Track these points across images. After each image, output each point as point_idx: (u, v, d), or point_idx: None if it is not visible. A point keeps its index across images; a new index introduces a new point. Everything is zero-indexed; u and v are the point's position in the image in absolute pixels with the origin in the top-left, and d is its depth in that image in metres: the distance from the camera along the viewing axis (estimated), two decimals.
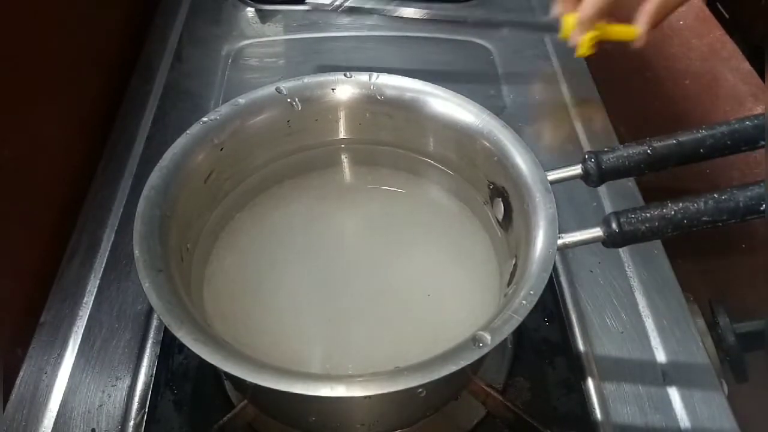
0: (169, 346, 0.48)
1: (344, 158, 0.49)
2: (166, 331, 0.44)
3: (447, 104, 0.44)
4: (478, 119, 0.43)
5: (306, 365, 0.41)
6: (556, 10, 0.64)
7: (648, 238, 0.38)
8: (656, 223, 0.37)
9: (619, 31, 0.64)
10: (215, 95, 0.68)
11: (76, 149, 0.61)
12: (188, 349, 0.32)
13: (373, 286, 0.45)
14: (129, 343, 0.48)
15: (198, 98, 0.68)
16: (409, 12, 0.69)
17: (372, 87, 0.46)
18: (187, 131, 0.43)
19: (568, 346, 0.49)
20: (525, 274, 0.36)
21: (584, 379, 0.46)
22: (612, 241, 0.38)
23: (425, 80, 0.45)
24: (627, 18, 0.62)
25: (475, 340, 0.32)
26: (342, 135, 0.48)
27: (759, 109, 0.69)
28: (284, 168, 0.48)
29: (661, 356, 0.47)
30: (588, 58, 0.71)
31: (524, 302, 0.34)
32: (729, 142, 0.40)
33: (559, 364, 0.48)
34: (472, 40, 0.74)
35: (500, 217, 0.44)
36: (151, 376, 0.46)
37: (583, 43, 0.63)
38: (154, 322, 0.49)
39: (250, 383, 0.31)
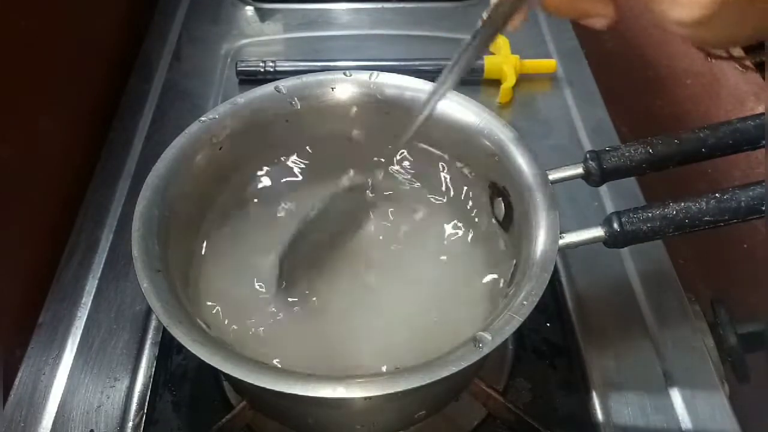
0: (167, 346, 0.48)
1: (343, 157, 0.49)
2: (165, 331, 0.44)
3: (447, 103, 0.44)
4: (478, 118, 0.43)
5: (303, 367, 0.41)
6: None
7: (649, 238, 0.38)
8: (658, 223, 0.37)
9: (536, 66, 0.69)
10: (214, 94, 0.68)
11: (75, 149, 0.61)
12: (187, 349, 0.32)
13: (370, 285, 0.45)
14: (127, 344, 0.48)
15: (197, 97, 0.68)
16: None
17: (372, 86, 0.46)
18: (186, 130, 0.42)
19: (569, 347, 0.48)
20: (526, 275, 0.36)
21: (585, 380, 0.46)
22: (613, 241, 0.38)
23: (425, 79, 0.45)
24: None
25: (475, 340, 0.32)
26: (341, 134, 0.48)
27: (760, 109, 0.68)
28: (283, 167, 0.48)
29: (662, 357, 0.47)
30: (589, 58, 0.71)
31: (525, 303, 0.34)
32: (730, 142, 0.40)
33: (559, 365, 0.48)
34: None
35: (501, 216, 0.44)
36: (150, 376, 0.46)
37: (504, 91, 0.66)
38: (153, 323, 0.49)
39: (249, 384, 0.31)
